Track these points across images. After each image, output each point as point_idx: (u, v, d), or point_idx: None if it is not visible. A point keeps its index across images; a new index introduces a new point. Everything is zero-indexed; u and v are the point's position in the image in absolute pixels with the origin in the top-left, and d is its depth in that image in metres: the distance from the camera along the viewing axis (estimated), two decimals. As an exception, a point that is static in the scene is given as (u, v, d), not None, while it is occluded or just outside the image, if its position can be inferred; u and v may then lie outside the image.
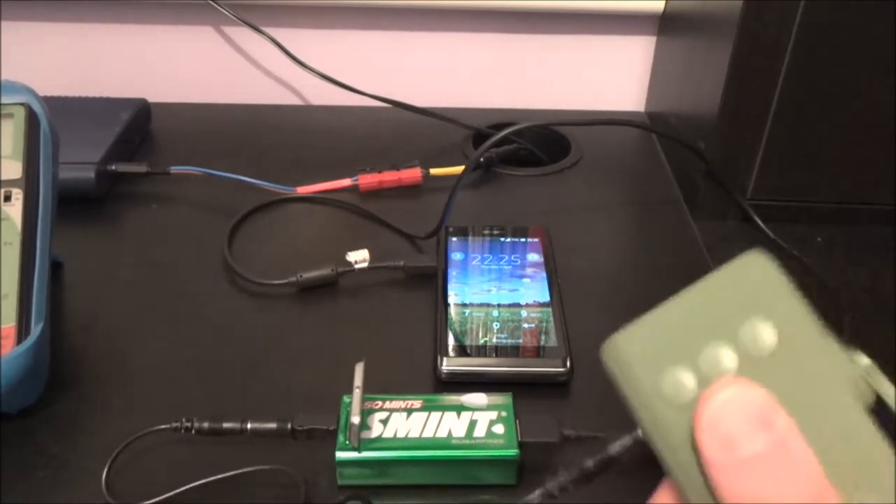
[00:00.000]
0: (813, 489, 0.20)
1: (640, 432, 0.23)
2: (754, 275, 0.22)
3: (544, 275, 0.50)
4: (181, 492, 0.36)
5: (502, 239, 0.53)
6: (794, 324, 0.22)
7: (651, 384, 0.22)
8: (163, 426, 0.38)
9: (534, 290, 0.48)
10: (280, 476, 0.38)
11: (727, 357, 0.21)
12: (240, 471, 0.37)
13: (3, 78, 0.44)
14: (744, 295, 0.22)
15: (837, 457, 0.20)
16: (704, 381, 0.21)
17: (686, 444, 0.21)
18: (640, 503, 0.24)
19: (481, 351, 0.44)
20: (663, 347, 0.22)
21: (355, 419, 0.36)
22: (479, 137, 0.68)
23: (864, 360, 0.21)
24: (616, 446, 0.25)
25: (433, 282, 0.50)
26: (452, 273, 0.50)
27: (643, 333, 0.22)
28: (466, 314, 0.47)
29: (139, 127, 0.66)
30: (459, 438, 0.37)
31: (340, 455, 0.37)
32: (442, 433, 0.37)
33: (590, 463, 0.25)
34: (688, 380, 0.21)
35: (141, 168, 0.59)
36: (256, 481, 0.38)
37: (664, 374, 0.22)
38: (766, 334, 0.21)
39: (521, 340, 0.45)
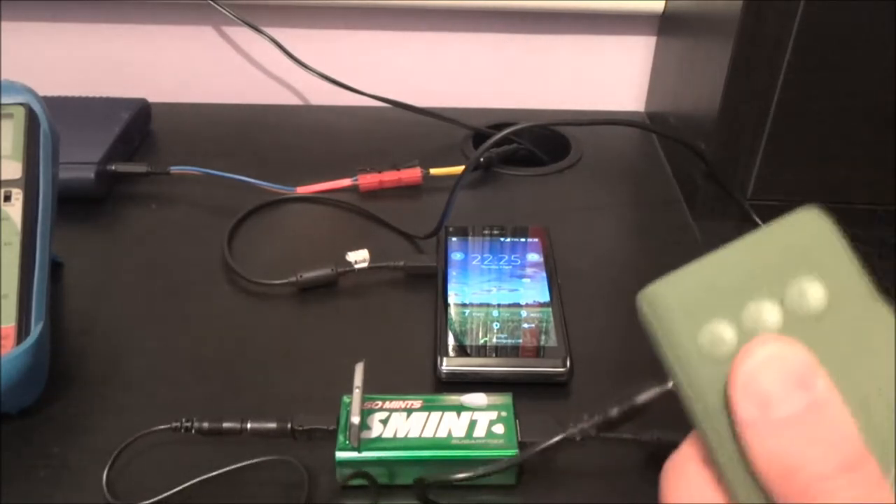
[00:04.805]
0: (846, 455, 0.19)
1: (670, 384, 0.21)
2: (807, 231, 0.21)
3: (544, 275, 0.50)
4: (183, 490, 0.36)
5: (502, 239, 0.53)
6: (846, 285, 0.20)
7: (688, 336, 0.20)
8: (162, 426, 0.38)
9: (534, 290, 0.48)
10: (282, 473, 0.38)
11: (772, 314, 0.20)
12: (246, 462, 0.37)
13: (3, 78, 0.44)
14: (795, 251, 0.21)
15: (881, 427, 0.19)
16: (745, 337, 0.20)
17: (718, 401, 0.20)
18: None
19: (481, 351, 0.44)
20: (705, 299, 0.21)
21: (355, 419, 0.36)
22: (479, 137, 0.68)
23: None
24: (643, 396, 0.24)
25: (433, 282, 0.50)
26: (452, 273, 0.50)
27: (685, 283, 0.21)
28: (466, 314, 0.47)
29: (139, 127, 0.66)
30: (459, 438, 0.37)
31: (340, 455, 0.37)
32: (442, 433, 0.37)
33: (614, 410, 0.25)
34: (728, 334, 0.20)
35: (141, 168, 0.59)
36: (258, 480, 0.38)
37: (703, 326, 0.20)
38: (814, 293, 0.20)
39: (520, 340, 0.45)
